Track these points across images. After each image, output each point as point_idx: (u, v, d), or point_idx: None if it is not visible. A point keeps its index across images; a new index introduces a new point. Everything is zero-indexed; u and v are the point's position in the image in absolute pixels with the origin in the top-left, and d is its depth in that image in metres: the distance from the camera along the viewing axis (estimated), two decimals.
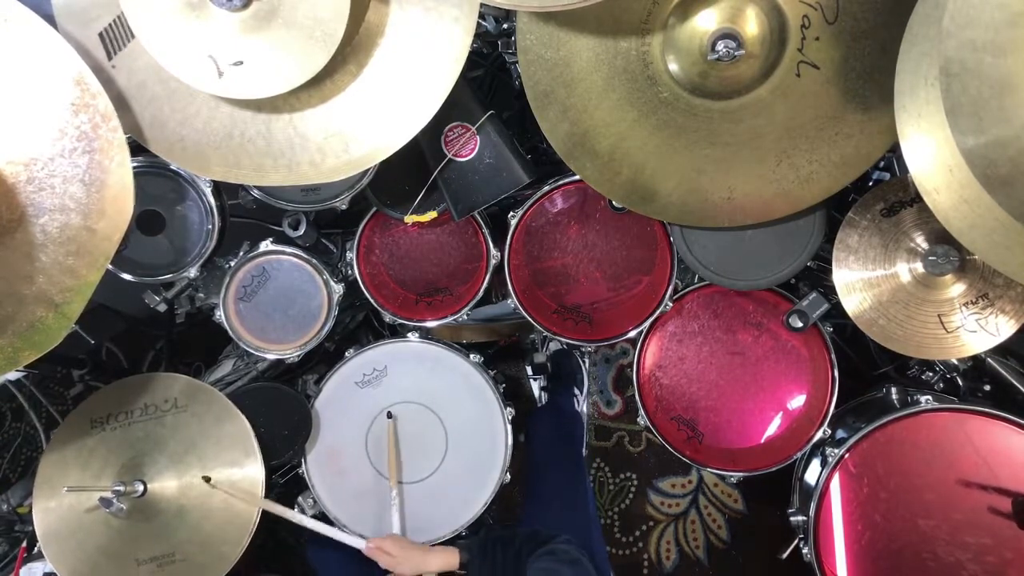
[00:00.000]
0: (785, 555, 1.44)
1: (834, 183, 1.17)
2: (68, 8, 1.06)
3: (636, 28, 1.10)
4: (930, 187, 0.95)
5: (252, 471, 1.47)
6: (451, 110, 1.23)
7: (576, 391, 2.19)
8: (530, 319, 1.53)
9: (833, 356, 1.45)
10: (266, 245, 1.51)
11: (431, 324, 1.59)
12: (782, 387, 1.51)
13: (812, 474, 1.46)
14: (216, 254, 1.48)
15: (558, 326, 1.55)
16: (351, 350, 1.61)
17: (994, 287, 1.22)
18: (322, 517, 1.62)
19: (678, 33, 1.10)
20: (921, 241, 1.24)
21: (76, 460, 1.46)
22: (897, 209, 1.26)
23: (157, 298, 1.55)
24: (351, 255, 1.55)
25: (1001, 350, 1.37)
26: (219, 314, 1.52)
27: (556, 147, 1.22)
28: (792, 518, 1.45)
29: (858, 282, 1.28)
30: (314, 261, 1.52)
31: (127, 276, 1.44)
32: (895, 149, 1.06)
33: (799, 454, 1.48)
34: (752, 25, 1.07)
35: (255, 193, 1.43)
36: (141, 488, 1.42)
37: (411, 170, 1.40)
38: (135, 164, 1.28)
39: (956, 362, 1.43)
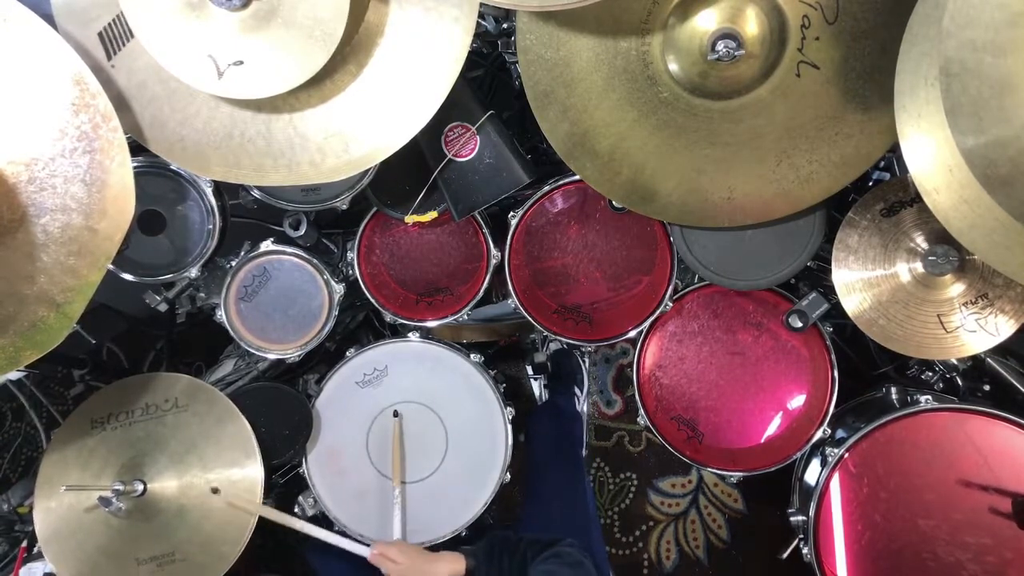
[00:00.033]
0: (785, 555, 1.44)
1: (834, 183, 1.17)
2: (67, 8, 1.07)
3: (636, 28, 1.10)
4: (930, 187, 0.95)
5: (252, 471, 1.47)
6: (451, 110, 1.23)
7: (576, 391, 2.19)
8: (530, 319, 1.53)
9: (833, 356, 1.45)
10: (267, 245, 1.52)
11: (431, 324, 1.59)
12: (782, 387, 1.51)
13: (812, 474, 1.46)
14: (217, 254, 1.48)
15: (558, 326, 1.55)
16: (352, 350, 1.61)
17: (994, 287, 1.22)
18: (323, 517, 1.62)
19: (678, 33, 1.10)
20: (921, 241, 1.24)
21: (76, 460, 1.46)
22: (897, 209, 1.26)
23: (158, 298, 1.55)
24: (352, 255, 1.55)
25: (1001, 350, 1.37)
26: (220, 314, 1.52)
27: (556, 147, 1.22)
28: (792, 518, 1.45)
29: (858, 282, 1.28)
30: (315, 261, 1.52)
31: (128, 276, 1.44)
32: (895, 149, 1.06)
33: (799, 454, 1.48)
34: (752, 25, 1.07)
35: (255, 193, 1.43)
36: (141, 488, 1.42)
37: (411, 170, 1.40)
38: (135, 164, 1.28)
39: (956, 362, 1.43)
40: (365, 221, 1.54)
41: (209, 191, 1.39)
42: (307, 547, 1.72)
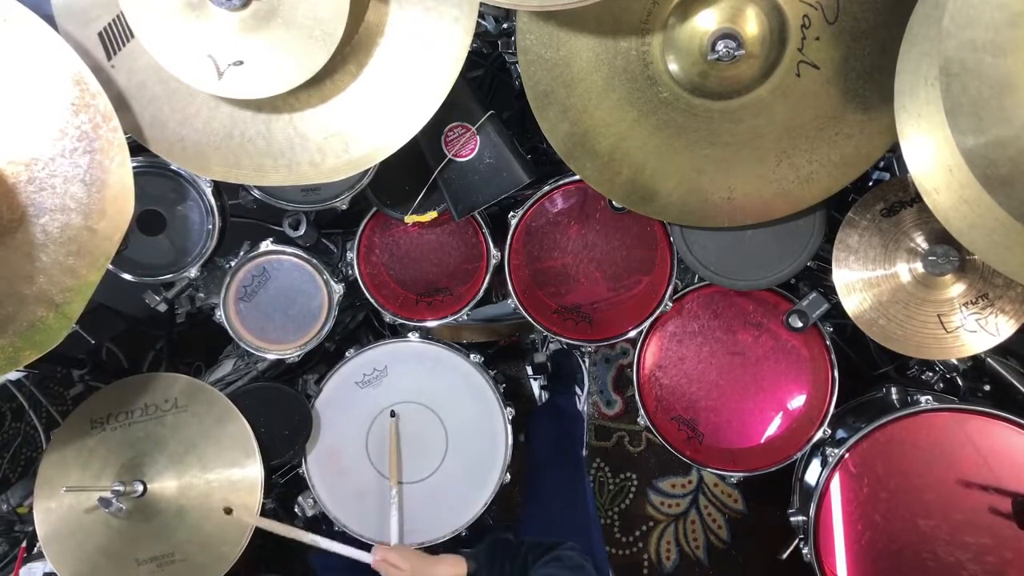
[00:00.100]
0: (785, 555, 1.44)
1: (834, 183, 1.17)
2: (68, 8, 1.06)
3: (636, 28, 1.10)
4: (930, 187, 0.95)
5: (252, 471, 1.47)
6: (451, 110, 1.23)
7: (577, 390, 2.19)
8: (530, 319, 1.53)
9: (833, 356, 1.45)
10: (266, 245, 1.51)
11: (431, 324, 1.59)
12: (782, 387, 1.51)
13: (812, 474, 1.46)
14: (216, 254, 1.48)
15: (558, 326, 1.55)
16: (351, 350, 1.61)
17: (994, 287, 1.22)
18: (322, 517, 1.62)
19: (678, 33, 1.10)
20: (921, 241, 1.24)
21: (76, 460, 1.46)
22: (897, 209, 1.26)
23: (157, 298, 1.55)
24: (351, 255, 1.55)
25: (1001, 350, 1.37)
26: (219, 314, 1.52)
27: (556, 147, 1.22)
28: (792, 518, 1.45)
29: (858, 282, 1.28)
30: (314, 261, 1.52)
31: (127, 276, 1.44)
32: (895, 149, 1.06)
33: (799, 454, 1.48)
34: (752, 25, 1.06)
35: (255, 193, 1.43)
36: (141, 488, 1.42)
37: (411, 170, 1.40)
38: (135, 164, 1.28)
39: (956, 362, 1.43)
40: (365, 221, 1.54)
41: (209, 191, 1.39)
42: (309, 549, 1.72)
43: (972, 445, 1.29)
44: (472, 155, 1.34)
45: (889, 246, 1.26)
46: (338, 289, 1.52)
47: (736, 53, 1.05)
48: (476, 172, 1.35)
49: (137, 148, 1.15)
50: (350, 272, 1.58)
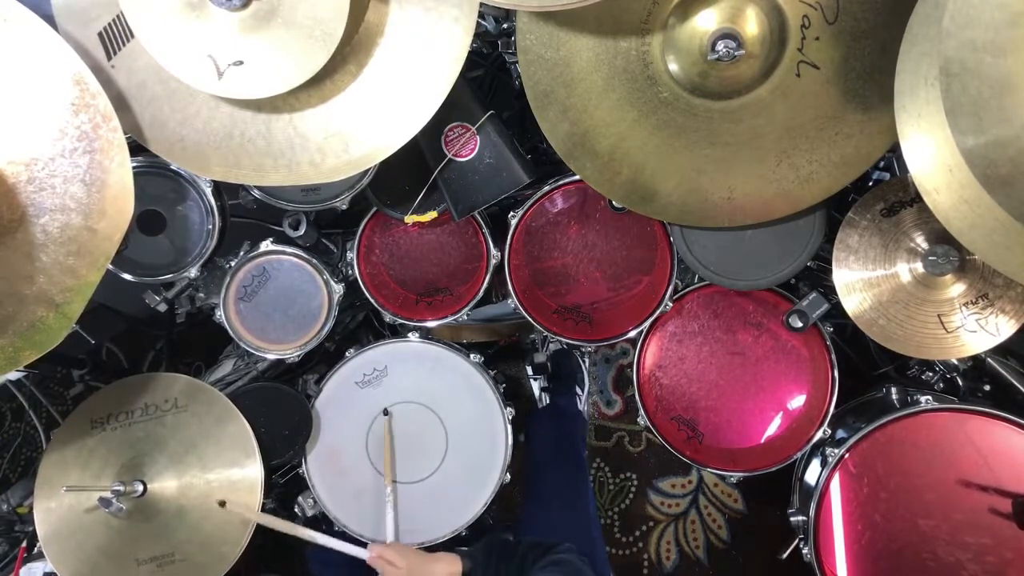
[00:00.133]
0: (785, 555, 1.44)
1: (834, 183, 1.17)
2: (68, 8, 1.06)
3: (636, 28, 1.10)
4: (930, 187, 0.95)
5: (252, 471, 1.47)
6: (451, 110, 1.23)
7: (578, 390, 2.19)
8: (530, 319, 1.53)
9: (833, 356, 1.45)
10: (266, 245, 1.51)
11: (431, 324, 1.59)
12: (782, 387, 1.51)
13: (812, 474, 1.46)
14: (216, 254, 1.48)
15: (558, 326, 1.55)
16: (351, 350, 1.61)
17: (994, 287, 1.22)
18: (322, 517, 1.62)
19: (678, 33, 1.10)
20: (921, 241, 1.24)
21: (76, 460, 1.46)
22: (897, 209, 1.26)
23: (157, 298, 1.55)
24: (351, 255, 1.55)
25: (1001, 350, 1.37)
26: (219, 314, 1.52)
27: (556, 147, 1.22)
28: (792, 518, 1.45)
29: (858, 282, 1.28)
30: (314, 261, 1.52)
31: (127, 276, 1.44)
32: (895, 149, 1.06)
33: (799, 454, 1.48)
34: (752, 25, 1.07)
35: (255, 193, 1.43)
36: (141, 488, 1.42)
37: (411, 170, 1.40)
38: (135, 164, 1.28)
39: (956, 362, 1.43)
40: (365, 221, 1.54)
41: (209, 191, 1.39)
42: (307, 547, 1.72)
43: (972, 445, 1.29)
44: (472, 155, 1.34)
45: (889, 246, 1.26)
46: (338, 289, 1.52)
47: (736, 53, 1.05)
48: (476, 172, 1.35)
49: (137, 148, 1.15)
50: (350, 272, 1.58)
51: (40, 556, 1.44)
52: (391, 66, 1.05)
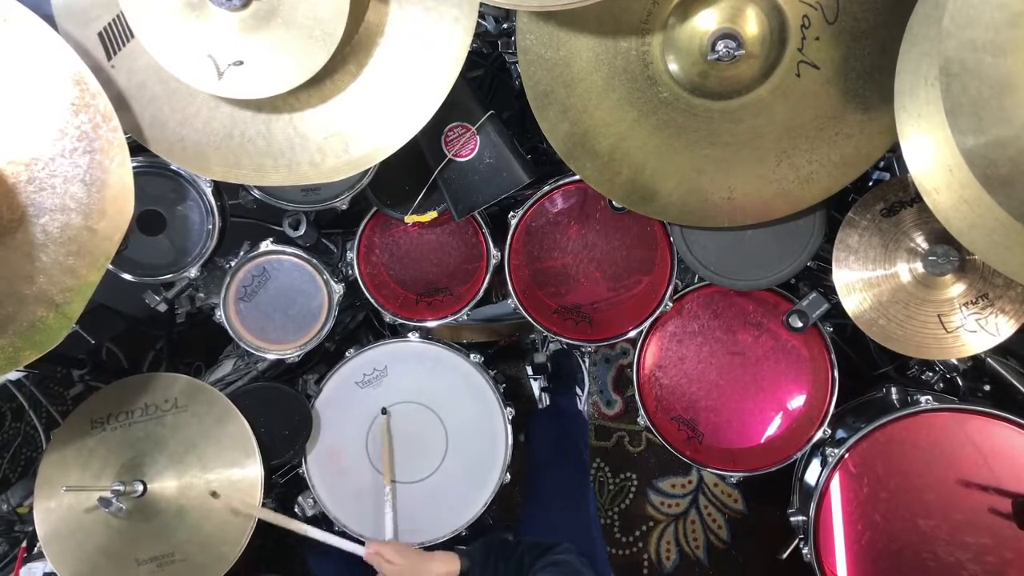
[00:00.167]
0: (785, 555, 1.44)
1: (834, 183, 1.17)
2: (68, 8, 1.07)
3: (636, 28, 1.10)
4: (930, 187, 0.95)
5: (252, 471, 1.47)
6: (451, 110, 1.23)
7: (578, 390, 2.19)
8: (530, 319, 1.53)
9: (833, 356, 1.45)
10: (266, 245, 1.51)
11: (431, 324, 1.59)
12: (782, 387, 1.51)
13: (812, 474, 1.46)
14: (216, 254, 1.48)
15: (558, 326, 1.55)
16: (351, 350, 1.61)
17: (994, 287, 1.22)
18: (322, 517, 1.62)
19: (678, 33, 1.10)
20: (921, 241, 1.24)
21: (76, 460, 1.46)
22: (897, 209, 1.26)
23: (157, 298, 1.55)
24: (351, 255, 1.55)
25: (1001, 350, 1.37)
26: (219, 314, 1.52)
27: (556, 147, 1.22)
28: (792, 518, 1.45)
29: (858, 282, 1.28)
30: (314, 261, 1.52)
31: (127, 276, 1.44)
32: (895, 149, 1.06)
33: (799, 454, 1.48)
34: (752, 25, 1.07)
35: (255, 193, 1.43)
36: (141, 488, 1.42)
37: (411, 170, 1.40)
38: (135, 164, 1.28)
39: (956, 362, 1.43)
40: (365, 221, 1.54)
41: (209, 191, 1.39)
42: (307, 548, 1.72)
43: (972, 445, 1.29)
44: (472, 155, 1.34)
45: (889, 246, 1.26)
46: (338, 289, 1.52)
47: (736, 53, 1.05)
48: (476, 172, 1.35)
49: (137, 148, 1.15)
50: (350, 272, 1.58)
51: (40, 556, 1.44)
52: (391, 66, 1.05)
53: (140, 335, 2.02)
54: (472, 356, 1.60)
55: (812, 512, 1.37)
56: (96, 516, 1.42)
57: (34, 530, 1.43)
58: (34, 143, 1.01)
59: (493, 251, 1.51)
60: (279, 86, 0.99)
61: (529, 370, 2.22)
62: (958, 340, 1.24)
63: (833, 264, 1.29)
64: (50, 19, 1.04)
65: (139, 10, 0.97)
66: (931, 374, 1.52)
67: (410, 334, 1.60)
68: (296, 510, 1.64)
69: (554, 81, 1.15)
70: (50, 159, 1.02)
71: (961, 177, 0.90)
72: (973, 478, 1.29)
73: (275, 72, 0.98)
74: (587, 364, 2.26)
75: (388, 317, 1.60)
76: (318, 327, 1.54)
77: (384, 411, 1.59)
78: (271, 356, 1.56)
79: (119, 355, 2.12)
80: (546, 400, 2.18)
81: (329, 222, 1.71)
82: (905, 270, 1.26)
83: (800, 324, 1.41)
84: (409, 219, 1.43)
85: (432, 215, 1.42)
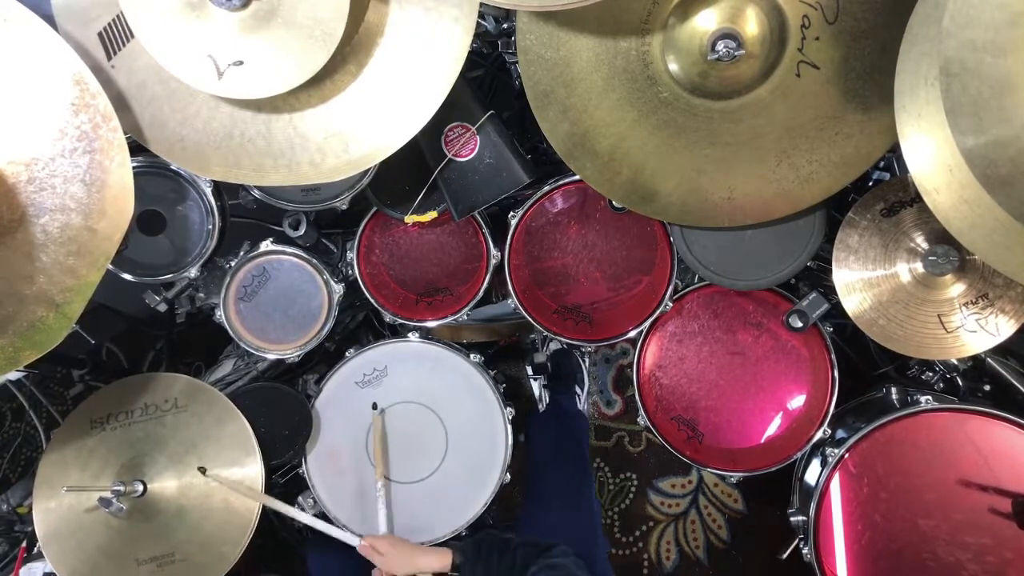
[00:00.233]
0: (785, 555, 1.44)
1: (834, 183, 1.17)
2: (67, 8, 1.06)
3: (636, 28, 1.10)
4: (930, 187, 0.95)
5: (252, 471, 1.47)
6: (451, 110, 1.23)
7: (577, 390, 2.19)
8: (530, 319, 1.53)
9: (833, 356, 1.45)
10: (266, 245, 1.51)
11: (431, 324, 1.59)
12: (782, 387, 1.51)
13: (812, 474, 1.46)
14: (216, 254, 1.48)
15: (558, 326, 1.55)
16: (351, 350, 1.61)
17: (994, 287, 1.22)
18: (322, 517, 1.62)
19: (678, 33, 1.10)
20: (921, 241, 1.24)
21: (76, 460, 1.46)
22: (897, 209, 1.26)
23: (157, 298, 1.55)
24: (351, 255, 1.55)
25: (1001, 350, 1.37)
26: (219, 314, 1.52)
27: (556, 147, 1.22)
28: (792, 518, 1.45)
29: (858, 282, 1.28)
30: (314, 261, 1.52)
31: (127, 276, 1.44)
32: (895, 149, 1.06)
33: (799, 454, 1.48)
34: (752, 25, 1.07)
35: (255, 193, 1.43)
36: (141, 488, 1.42)
37: (411, 170, 1.40)
38: (135, 164, 1.28)
39: (956, 362, 1.43)
40: (365, 221, 1.54)
41: (209, 191, 1.39)
42: (307, 547, 1.72)
43: (972, 445, 1.29)
44: (472, 155, 1.34)
45: (889, 246, 1.26)
46: (338, 289, 1.52)
47: (736, 53, 1.05)
48: (476, 172, 1.35)
49: (137, 148, 1.15)
50: (350, 272, 1.58)
51: (40, 556, 1.44)
52: (391, 66, 1.05)
53: (140, 335, 2.02)
54: (472, 356, 1.60)
55: (812, 512, 1.37)
56: (96, 516, 1.42)
57: (34, 530, 1.43)
58: (34, 143, 1.01)
59: (493, 251, 1.51)
60: (279, 86, 0.99)
61: (529, 370, 2.22)
62: (958, 340, 1.24)
63: (833, 264, 1.29)
64: (50, 19, 1.04)
65: (139, 10, 0.97)
66: (931, 374, 1.52)
67: (410, 334, 1.60)
68: (296, 509, 1.64)
69: (554, 81, 1.15)
70: (50, 159, 1.02)
71: (961, 177, 0.90)
72: (973, 478, 1.29)
73: (275, 72, 0.98)
74: (587, 364, 2.26)
75: (388, 317, 1.60)
76: (318, 327, 1.54)
77: (375, 406, 1.58)
78: (271, 356, 1.56)
79: (119, 355, 2.13)
80: (546, 399, 2.18)
81: (329, 222, 1.71)
82: (905, 270, 1.26)
83: (800, 324, 1.41)
84: (409, 219, 1.43)
85: (432, 215, 1.42)
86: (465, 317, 1.58)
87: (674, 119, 1.16)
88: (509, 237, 1.48)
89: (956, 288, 1.23)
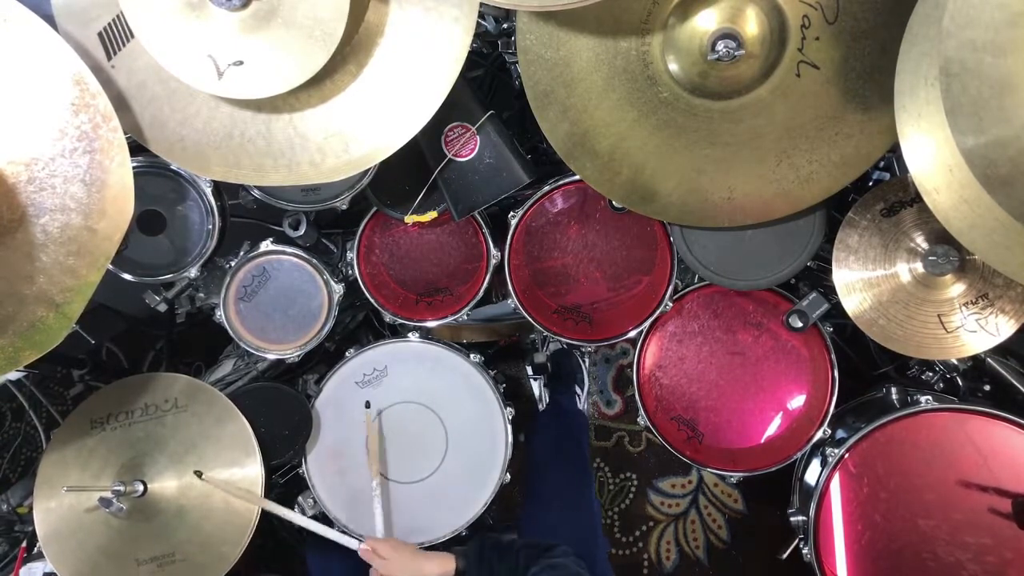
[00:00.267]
0: (785, 555, 1.44)
1: (834, 183, 1.17)
2: (68, 8, 1.07)
3: (636, 28, 1.10)
4: (930, 187, 0.95)
5: (252, 471, 1.47)
6: (451, 110, 1.23)
7: (577, 390, 2.19)
8: (530, 319, 1.53)
9: (833, 356, 1.45)
10: (266, 245, 1.51)
11: (431, 324, 1.59)
12: (782, 387, 1.51)
13: (812, 474, 1.46)
14: (216, 254, 1.48)
15: (558, 326, 1.55)
16: (351, 350, 1.61)
17: (994, 287, 1.22)
18: (322, 517, 1.62)
19: (678, 33, 1.10)
20: (921, 241, 1.24)
21: (76, 460, 1.46)
22: (897, 209, 1.26)
23: (157, 298, 1.55)
24: (351, 255, 1.55)
25: (1001, 350, 1.37)
26: (219, 314, 1.52)
27: (556, 147, 1.22)
28: (792, 518, 1.45)
29: (858, 282, 1.28)
30: (314, 261, 1.52)
31: (127, 276, 1.44)
32: (895, 149, 1.06)
33: (799, 454, 1.48)
34: (752, 25, 1.07)
35: (255, 193, 1.43)
36: (141, 488, 1.42)
37: (411, 170, 1.40)
38: (135, 164, 1.28)
39: (956, 362, 1.43)
40: (365, 221, 1.54)
41: (209, 191, 1.39)
42: (307, 548, 1.72)
43: (972, 445, 1.29)
44: (472, 155, 1.34)
45: (889, 246, 1.26)
46: (338, 289, 1.52)
47: (736, 53, 1.05)
48: (476, 172, 1.35)
49: (137, 148, 1.15)
50: (350, 272, 1.58)
51: (40, 556, 1.44)
52: (391, 66, 1.05)
53: (140, 335, 2.02)
54: (472, 356, 1.60)
55: (812, 512, 1.37)
56: (96, 516, 1.42)
57: (34, 530, 1.43)
58: (34, 143, 1.01)
59: (493, 251, 1.51)
60: (279, 86, 0.99)
61: (529, 370, 2.22)
62: (958, 340, 1.24)
63: (833, 264, 1.29)
64: (50, 19, 1.04)
65: (139, 10, 0.97)
66: (931, 374, 1.52)
67: (410, 334, 1.60)
68: (296, 510, 1.64)
69: (554, 81, 1.15)
70: (50, 159, 1.02)
71: (961, 177, 0.90)
72: (973, 478, 1.29)
73: (275, 72, 0.98)
74: (587, 364, 2.26)
75: (388, 317, 1.60)
76: (318, 327, 1.54)
77: (368, 404, 1.58)
78: (271, 356, 1.56)
79: (119, 355, 2.13)
80: (546, 399, 2.18)
81: (329, 222, 1.71)
82: (905, 270, 1.26)
83: (800, 324, 1.41)
84: (409, 219, 1.43)
85: (432, 215, 1.42)
86: (465, 317, 1.58)
87: (674, 119, 1.16)
88: (509, 237, 1.48)
89: (956, 288, 1.23)
